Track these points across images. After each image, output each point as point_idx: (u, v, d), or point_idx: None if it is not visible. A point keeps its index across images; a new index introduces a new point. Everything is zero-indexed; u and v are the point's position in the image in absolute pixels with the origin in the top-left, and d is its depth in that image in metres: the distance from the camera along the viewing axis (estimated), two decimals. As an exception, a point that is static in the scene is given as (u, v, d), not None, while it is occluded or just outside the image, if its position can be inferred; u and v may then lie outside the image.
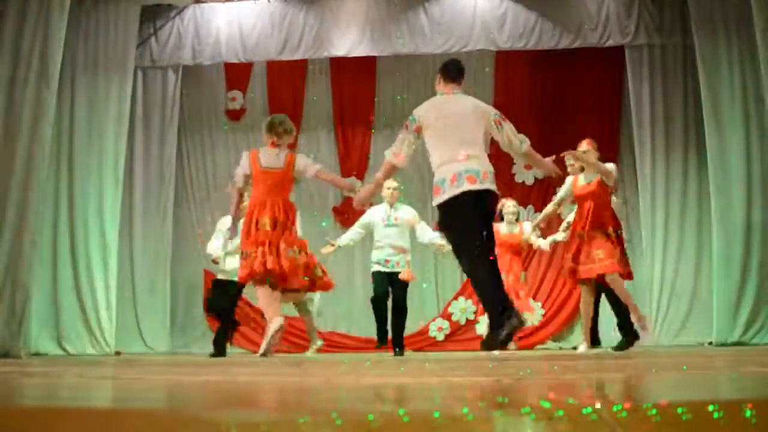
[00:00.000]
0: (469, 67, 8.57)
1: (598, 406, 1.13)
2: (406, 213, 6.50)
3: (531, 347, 7.68)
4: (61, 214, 7.22)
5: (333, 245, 6.54)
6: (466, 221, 4.19)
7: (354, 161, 8.35)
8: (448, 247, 6.95)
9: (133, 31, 7.57)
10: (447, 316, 8.06)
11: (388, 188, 6.39)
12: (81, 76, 7.38)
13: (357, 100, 8.56)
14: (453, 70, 4.58)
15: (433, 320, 8.12)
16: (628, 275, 5.68)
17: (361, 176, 8.47)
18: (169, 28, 7.93)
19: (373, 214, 6.49)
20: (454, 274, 8.25)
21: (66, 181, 7.25)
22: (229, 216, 5.76)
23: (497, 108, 8.23)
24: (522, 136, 4.48)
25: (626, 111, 8.01)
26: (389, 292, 6.29)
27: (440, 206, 4.29)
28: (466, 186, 4.16)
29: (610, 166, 5.75)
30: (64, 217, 7.23)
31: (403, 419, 1.11)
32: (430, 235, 6.37)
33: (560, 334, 7.91)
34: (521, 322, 4.10)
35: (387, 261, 6.33)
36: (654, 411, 1.12)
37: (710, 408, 1.11)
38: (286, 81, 8.58)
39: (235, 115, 8.69)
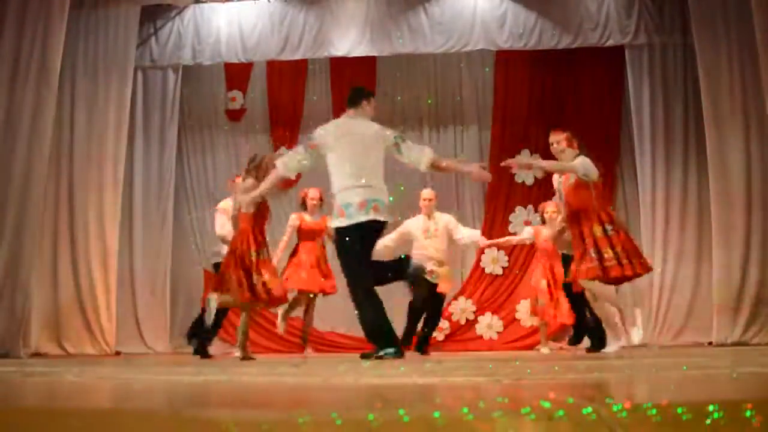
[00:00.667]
0: (469, 67, 8.66)
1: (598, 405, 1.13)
2: (443, 221, 6.58)
3: (531, 347, 7.68)
4: (61, 214, 7.22)
5: None
6: (365, 248, 4.34)
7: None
8: (485, 242, 6.85)
9: (133, 32, 7.57)
10: (447, 316, 8.05)
11: (424, 199, 6.58)
12: (81, 76, 7.38)
13: (357, 100, 8.55)
14: (351, 95, 4.72)
15: (433, 320, 8.11)
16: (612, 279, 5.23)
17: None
18: (169, 28, 7.93)
19: (411, 225, 6.61)
20: (454, 274, 8.26)
21: (66, 181, 7.25)
22: (228, 199, 6.23)
23: (497, 107, 8.42)
24: (424, 150, 4.55)
25: (626, 111, 8.01)
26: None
27: (343, 229, 4.37)
28: (373, 215, 4.30)
29: (577, 161, 5.26)
30: (64, 217, 7.23)
31: (403, 419, 1.11)
32: (469, 234, 6.62)
33: (560, 334, 7.90)
34: (399, 356, 4.26)
35: (431, 272, 6.23)
36: (654, 411, 1.12)
37: (710, 408, 1.11)
38: (286, 81, 8.57)
39: (235, 115, 8.68)
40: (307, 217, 6.67)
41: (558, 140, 5.41)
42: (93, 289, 7.18)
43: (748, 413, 1.10)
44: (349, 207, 4.33)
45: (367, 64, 8.38)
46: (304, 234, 6.65)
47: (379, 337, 4.34)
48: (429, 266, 6.32)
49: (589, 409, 1.13)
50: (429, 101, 8.65)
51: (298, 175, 8.16)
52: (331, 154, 4.47)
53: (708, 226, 7.13)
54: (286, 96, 8.59)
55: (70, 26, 6.57)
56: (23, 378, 2.79)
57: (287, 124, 8.54)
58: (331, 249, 7.10)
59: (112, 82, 7.42)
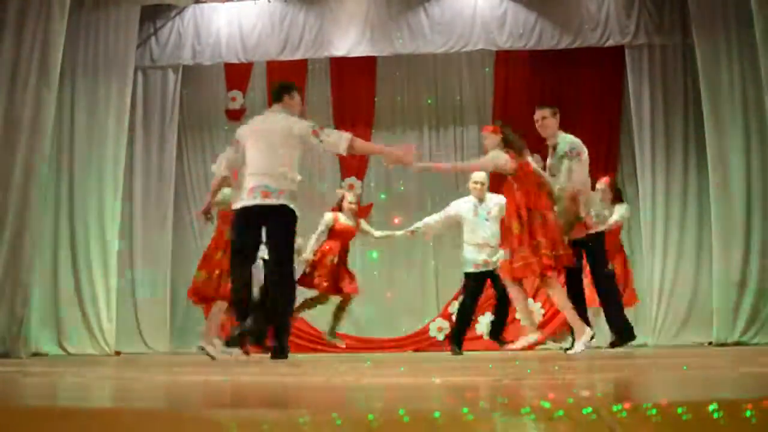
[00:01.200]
0: (469, 67, 8.66)
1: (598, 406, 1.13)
2: (497, 202, 5.98)
3: (531, 347, 7.67)
4: (61, 214, 7.22)
5: (412, 232, 6.53)
6: (241, 229, 4.60)
7: (354, 161, 8.34)
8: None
9: (133, 32, 7.57)
10: (447, 316, 8.05)
11: (475, 182, 6.12)
12: (81, 77, 7.39)
13: (357, 100, 8.56)
14: (274, 90, 4.91)
15: (433, 320, 8.12)
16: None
17: (361, 176, 8.48)
18: (169, 28, 7.93)
19: (460, 208, 6.19)
20: (454, 274, 8.25)
21: (66, 182, 7.25)
22: None
23: (497, 107, 8.41)
24: (342, 136, 4.65)
25: (626, 111, 8.01)
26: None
27: (235, 211, 4.66)
28: (260, 200, 4.51)
29: (486, 157, 5.18)
30: (64, 217, 7.23)
31: (403, 419, 1.11)
32: None
33: (560, 334, 7.90)
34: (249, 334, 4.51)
35: (486, 261, 6.00)
36: (654, 411, 1.12)
37: (710, 408, 1.11)
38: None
39: (235, 115, 8.67)
40: (341, 217, 6.56)
41: (486, 134, 5.31)
42: (93, 289, 7.18)
43: (748, 413, 1.10)
44: (242, 192, 4.63)
45: (367, 64, 8.39)
46: (335, 234, 6.53)
47: (238, 309, 4.60)
48: (483, 256, 6.02)
49: (589, 409, 1.13)
50: (429, 101, 8.65)
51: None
52: (246, 147, 4.71)
53: (708, 226, 7.14)
54: (286, 96, 8.57)
55: (70, 27, 6.56)
56: (23, 378, 2.79)
57: (287, 124, 8.53)
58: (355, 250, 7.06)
59: (112, 82, 7.42)
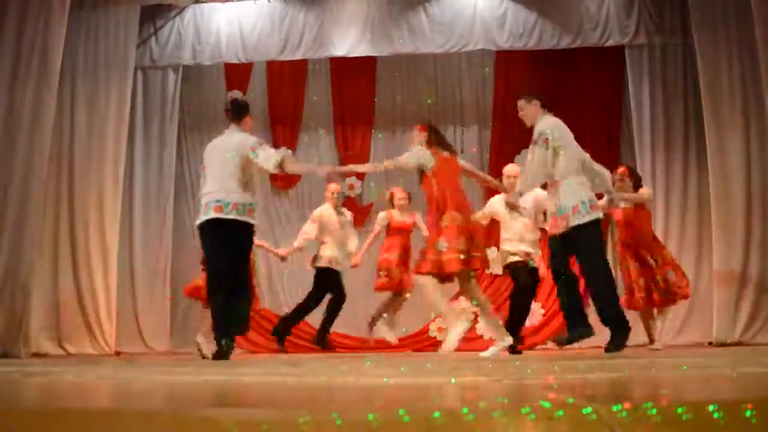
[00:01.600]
0: (469, 67, 8.66)
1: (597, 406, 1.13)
2: (532, 195, 5.70)
3: (531, 347, 7.67)
4: (61, 214, 7.22)
5: None
6: (208, 245, 4.88)
7: (354, 161, 8.33)
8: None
9: (133, 32, 7.58)
10: (447, 316, 8.04)
11: (507, 176, 5.83)
12: (81, 77, 7.39)
13: (357, 100, 8.56)
14: (234, 110, 5.12)
15: (433, 320, 8.12)
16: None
17: (361, 177, 8.48)
18: (169, 28, 7.94)
19: (495, 203, 5.93)
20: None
21: (66, 181, 7.26)
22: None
23: (497, 107, 8.41)
24: (273, 153, 4.80)
25: (626, 111, 8.01)
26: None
27: (198, 227, 4.94)
28: (213, 214, 4.76)
29: (405, 154, 5.20)
30: (64, 217, 7.23)
31: (403, 419, 1.11)
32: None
33: (560, 334, 7.89)
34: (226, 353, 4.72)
35: (528, 254, 5.73)
36: (654, 411, 1.12)
37: (710, 408, 1.11)
38: (286, 81, 8.57)
39: (235, 115, 8.67)
40: (396, 214, 6.63)
41: (414, 133, 5.30)
42: (93, 289, 7.18)
43: (748, 413, 1.10)
44: (201, 208, 4.89)
45: (367, 64, 8.39)
46: (393, 231, 6.63)
47: (220, 325, 4.79)
48: (521, 247, 5.75)
49: (589, 409, 1.13)
50: (429, 101, 8.65)
51: (298, 176, 8.20)
52: (206, 167, 5.01)
53: (708, 226, 7.14)
54: (286, 96, 8.58)
55: (70, 27, 6.57)
56: (23, 378, 2.79)
57: (287, 124, 8.54)
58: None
59: (112, 82, 7.43)
